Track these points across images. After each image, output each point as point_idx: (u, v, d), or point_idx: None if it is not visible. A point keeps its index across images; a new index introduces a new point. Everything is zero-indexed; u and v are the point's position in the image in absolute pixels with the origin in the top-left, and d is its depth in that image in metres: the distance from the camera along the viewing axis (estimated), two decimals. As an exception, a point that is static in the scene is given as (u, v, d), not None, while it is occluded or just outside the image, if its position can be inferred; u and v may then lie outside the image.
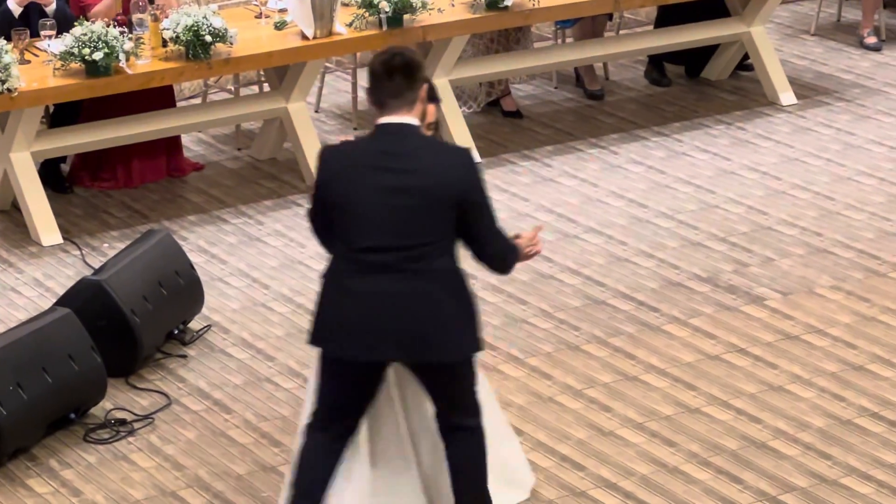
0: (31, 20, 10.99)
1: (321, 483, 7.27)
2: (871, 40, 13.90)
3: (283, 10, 11.43)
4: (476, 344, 7.07)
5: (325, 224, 7.08)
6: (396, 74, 6.86)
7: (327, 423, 7.22)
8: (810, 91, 13.04)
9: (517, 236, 7.23)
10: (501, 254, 7.05)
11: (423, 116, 6.99)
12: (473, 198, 6.89)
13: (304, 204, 11.21)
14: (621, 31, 13.58)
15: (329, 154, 7.00)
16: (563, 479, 8.13)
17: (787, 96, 12.85)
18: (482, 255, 7.03)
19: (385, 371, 7.17)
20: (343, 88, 13.16)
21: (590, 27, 12.89)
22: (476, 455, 7.31)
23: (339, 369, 7.09)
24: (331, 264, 7.05)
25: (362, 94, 12.70)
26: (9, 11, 11.00)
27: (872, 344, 9.40)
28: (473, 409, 7.25)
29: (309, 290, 10.11)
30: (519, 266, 7.35)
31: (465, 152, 7.04)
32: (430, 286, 6.91)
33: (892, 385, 8.96)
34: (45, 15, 11.02)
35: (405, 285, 6.88)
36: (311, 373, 7.50)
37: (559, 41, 13.27)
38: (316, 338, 7.08)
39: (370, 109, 12.36)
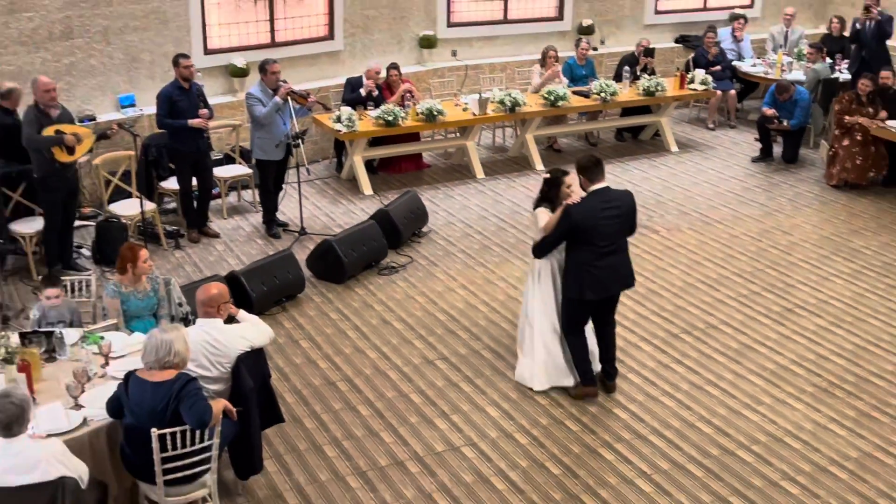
0: (366, 101, 11.02)
1: (588, 353, 6.70)
2: (711, 125, 13.54)
3: (466, 103, 11.38)
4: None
5: (557, 243, 6.45)
6: (599, 165, 6.40)
7: (583, 326, 6.62)
8: (684, 147, 12.69)
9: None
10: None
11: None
12: (634, 216, 6.48)
13: (472, 183, 11.01)
14: (606, 117, 13.24)
15: (575, 208, 6.35)
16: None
17: (674, 148, 12.57)
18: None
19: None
20: (488, 137, 12.85)
21: (593, 114, 12.73)
22: (614, 337, 6.74)
23: (592, 305, 6.49)
24: (578, 258, 6.40)
25: (499, 139, 12.60)
26: (361, 96, 10.91)
27: (708, 248, 9.27)
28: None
29: (486, 221, 9.78)
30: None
31: (630, 194, 6.50)
32: (627, 258, 6.48)
33: (730, 271, 8.81)
34: (371, 99, 11.06)
35: (618, 259, 6.41)
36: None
37: (581, 119, 13.04)
38: (582, 293, 6.41)
39: (504, 145, 12.49)
